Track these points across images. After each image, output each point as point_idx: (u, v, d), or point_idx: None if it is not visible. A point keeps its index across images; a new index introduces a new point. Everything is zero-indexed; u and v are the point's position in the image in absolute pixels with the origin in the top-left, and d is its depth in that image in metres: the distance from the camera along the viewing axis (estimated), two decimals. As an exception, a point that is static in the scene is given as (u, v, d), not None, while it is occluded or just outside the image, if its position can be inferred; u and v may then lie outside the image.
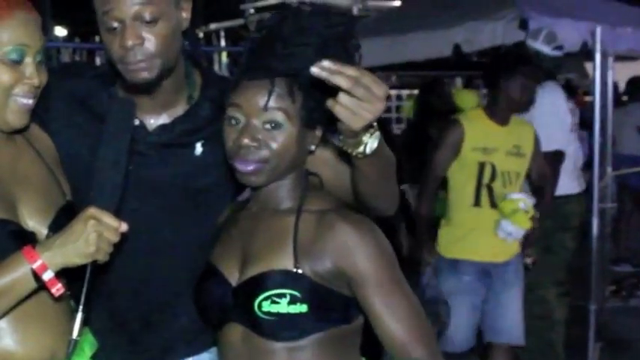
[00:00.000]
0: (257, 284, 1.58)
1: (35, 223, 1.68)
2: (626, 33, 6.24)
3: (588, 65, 7.23)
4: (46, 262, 1.53)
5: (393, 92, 10.86)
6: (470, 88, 10.34)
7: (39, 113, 1.78)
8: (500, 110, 3.85)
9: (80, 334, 1.61)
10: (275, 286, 1.57)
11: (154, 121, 1.86)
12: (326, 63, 1.40)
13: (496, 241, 3.83)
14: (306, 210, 1.63)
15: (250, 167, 1.59)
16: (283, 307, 1.56)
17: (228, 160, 1.64)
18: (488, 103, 3.94)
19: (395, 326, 1.56)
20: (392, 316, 1.56)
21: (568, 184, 4.38)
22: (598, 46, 4.74)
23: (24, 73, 1.66)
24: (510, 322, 3.89)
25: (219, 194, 1.86)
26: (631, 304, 6.32)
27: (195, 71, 1.91)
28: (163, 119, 1.86)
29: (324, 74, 1.40)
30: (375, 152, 1.52)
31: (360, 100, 1.41)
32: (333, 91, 1.58)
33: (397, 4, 9.57)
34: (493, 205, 3.82)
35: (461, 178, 3.84)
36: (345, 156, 1.63)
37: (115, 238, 1.55)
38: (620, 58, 6.04)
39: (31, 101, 1.70)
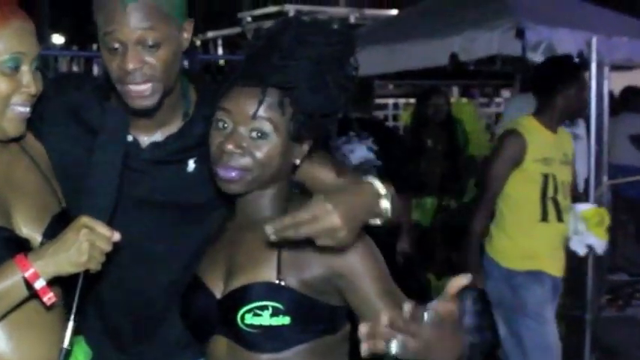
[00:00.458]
0: (239, 297, 1.58)
1: (29, 230, 1.68)
2: (622, 43, 6.26)
3: (584, 74, 7.24)
4: (38, 270, 1.52)
5: (390, 101, 10.88)
6: (466, 97, 10.37)
7: (33, 122, 1.78)
8: (553, 118, 3.77)
9: (71, 343, 1.61)
10: (257, 298, 1.56)
11: (147, 139, 1.85)
12: (275, 226, 1.42)
13: (561, 255, 3.77)
14: None
15: (232, 174, 1.58)
16: (266, 319, 1.55)
17: (212, 166, 1.63)
18: (539, 112, 3.82)
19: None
20: (388, 306, 1.55)
21: None
22: (594, 56, 4.76)
23: (21, 82, 1.66)
24: None
25: (210, 211, 1.85)
26: (627, 314, 6.31)
27: (191, 88, 1.90)
28: (157, 137, 1.85)
29: (280, 235, 1.42)
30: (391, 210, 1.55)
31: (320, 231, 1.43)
32: (325, 109, 1.58)
33: (394, 12, 9.60)
34: (560, 219, 3.72)
35: (524, 192, 3.70)
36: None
37: (108, 248, 1.55)
38: (616, 67, 6.05)
39: (28, 109, 1.70)
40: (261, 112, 1.57)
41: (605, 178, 5.16)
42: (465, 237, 3.75)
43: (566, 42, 5.62)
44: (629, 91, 7.94)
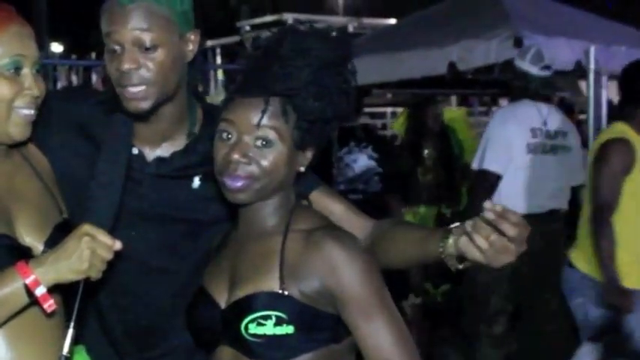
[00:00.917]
0: (243, 306, 1.58)
1: (31, 239, 1.69)
2: (620, 52, 6.28)
3: (582, 84, 7.27)
4: (39, 277, 1.53)
5: (389, 109, 10.90)
6: (464, 105, 10.39)
7: (37, 132, 1.79)
8: None
9: (71, 350, 1.61)
10: (261, 307, 1.56)
11: (152, 152, 1.86)
12: (497, 208, 1.50)
13: None
14: (293, 230, 1.62)
15: (238, 183, 1.59)
16: (269, 328, 1.55)
17: (217, 177, 1.63)
18: (629, 118, 3.77)
19: (379, 345, 1.56)
20: (376, 335, 1.56)
21: (525, 202, 4.24)
22: (592, 65, 4.78)
23: (23, 85, 1.67)
24: None
25: (214, 228, 1.85)
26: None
27: (198, 105, 1.91)
28: (162, 151, 1.86)
29: (491, 216, 1.50)
30: None
31: (509, 242, 1.52)
32: (327, 115, 1.59)
33: (392, 22, 9.62)
34: None
35: (631, 204, 3.64)
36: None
37: (109, 256, 1.55)
38: (614, 76, 6.07)
39: (32, 112, 1.71)
40: (265, 120, 1.58)
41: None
42: (600, 266, 3.61)
43: (564, 51, 5.64)
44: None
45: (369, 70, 6.31)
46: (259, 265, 1.61)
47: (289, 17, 9.16)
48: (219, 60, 10.00)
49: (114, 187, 1.61)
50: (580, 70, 5.41)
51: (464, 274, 4.22)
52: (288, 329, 1.55)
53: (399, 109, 10.39)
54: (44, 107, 1.76)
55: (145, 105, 1.75)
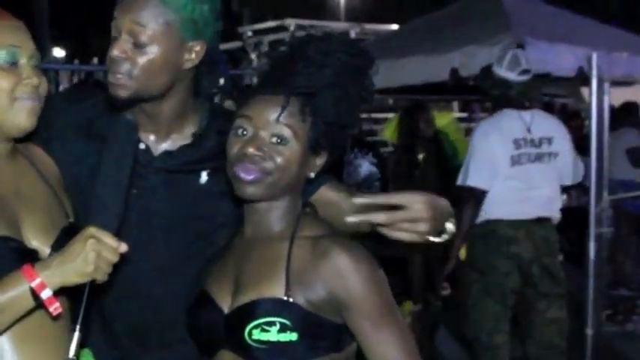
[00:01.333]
0: (248, 312, 1.58)
1: (38, 242, 1.69)
2: (622, 58, 6.28)
3: (584, 90, 7.27)
4: (45, 280, 1.52)
5: (390, 115, 10.89)
6: (466, 112, 10.39)
7: (42, 135, 1.79)
8: None
9: (77, 353, 1.60)
10: (265, 314, 1.56)
11: (159, 147, 1.87)
12: (365, 199, 1.57)
13: None
14: (299, 236, 1.62)
15: (251, 176, 1.60)
16: (273, 335, 1.55)
17: (229, 170, 1.64)
18: None
19: (384, 352, 1.57)
20: (381, 342, 1.57)
21: (511, 209, 4.24)
22: (594, 72, 4.76)
23: (21, 75, 1.68)
24: None
25: (221, 224, 1.86)
26: (628, 329, 6.30)
27: (204, 103, 1.93)
28: (169, 145, 1.87)
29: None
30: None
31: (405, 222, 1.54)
32: (344, 120, 1.62)
33: (395, 28, 9.62)
34: None
35: None
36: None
37: (115, 258, 1.55)
38: (615, 83, 6.07)
39: (35, 102, 1.71)
40: (282, 118, 1.60)
41: (605, 194, 5.16)
42: None
43: (567, 57, 5.65)
44: (628, 107, 7.96)
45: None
46: (265, 271, 1.61)
47: (291, 23, 9.17)
48: (221, 65, 10.00)
49: (119, 189, 1.61)
50: (582, 77, 5.41)
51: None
52: (292, 336, 1.55)
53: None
54: (47, 109, 1.76)
55: (122, 93, 1.77)
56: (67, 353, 1.59)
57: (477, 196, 4.21)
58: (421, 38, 6.86)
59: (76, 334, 1.58)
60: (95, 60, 7.71)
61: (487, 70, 4.41)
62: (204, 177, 1.88)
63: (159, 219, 1.86)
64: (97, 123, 1.88)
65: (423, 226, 1.57)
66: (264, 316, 1.56)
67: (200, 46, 1.81)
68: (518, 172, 4.23)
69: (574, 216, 5.79)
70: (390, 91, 7.24)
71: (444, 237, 1.62)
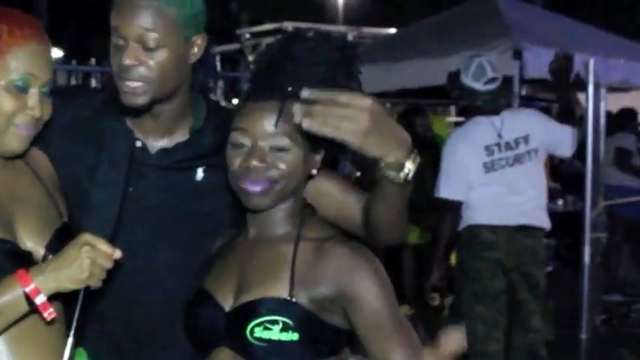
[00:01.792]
0: (251, 310, 1.59)
1: (33, 243, 1.69)
2: (619, 64, 6.30)
3: (581, 96, 7.29)
4: (39, 286, 1.53)
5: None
6: (463, 115, 10.40)
7: (38, 135, 1.79)
8: None
9: (71, 358, 1.61)
10: (268, 312, 1.57)
11: (156, 144, 1.88)
12: (312, 94, 1.43)
13: None
14: (304, 238, 1.63)
15: (259, 187, 1.60)
16: (275, 333, 1.56)
17: (234, 184, 1.63)
18: None
19: (389, 350, 1.57)
20: (384, 336, 1.57)
21: (491, 214, 4.21)
22: (591, 78, 4.77)
23: (26, 103, 1.67)
24: None
25: (217, 221, 1.86)
26: (622, 334, 6.32)
27: (202, 99, 1.93)
28: (165, 143, 1.88)
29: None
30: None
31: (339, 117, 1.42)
32: None
33: (392, 31, 9.63)
34: None
35: None
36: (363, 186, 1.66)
37: (109, 265, 1.55)
38: (612, 89, 6.09)
39: (31, 132, 1.71)
40: (279, 127, 1.59)
41: (601, 199, 5.16)
42: None
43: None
44: (625, 113, 7.98)
45: (368, 79, 6.31)
46: (269, 271, 1.62)
47: (289, 25, 9.18)
48: (219, 67, 10.01)
49: (114, 194, 1.62)
50: (579, 82, 5.41)
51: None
52: (294, 336, 1.56)
53: (398, 119, 10.43)
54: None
55: (141, 100, 1.77)
56: (61, 356, 1.60)
57: (452, 207, 4.22)
58: (419, 42, 6.88)
59: (70, 340, 1.59)
60: (93, 60, 7.69)
61: (454, 78, 4.37)
62: (200, 174, 1.88)
63: (155, 216, 1.87)
64: (94, 123, 1.88)
65: (355, 126, 1.42)
66: (268, 315, 1.56)
67: (201, 39, 1.82)
68: (494, 178, 4.20)
69: (570, 222, 5.80)
70: (387, 94, 7.25)
71: (402, 174, 1.50)
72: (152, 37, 1.73)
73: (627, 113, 7.98)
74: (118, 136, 1.69)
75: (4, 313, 1.55)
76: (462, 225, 4.25)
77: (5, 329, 1.59)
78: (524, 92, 6.92)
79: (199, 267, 1.77)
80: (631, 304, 6.79)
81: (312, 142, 1.62)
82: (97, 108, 1.90)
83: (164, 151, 1.87)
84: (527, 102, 6.76)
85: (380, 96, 7.38)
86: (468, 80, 4.24)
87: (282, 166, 1.60)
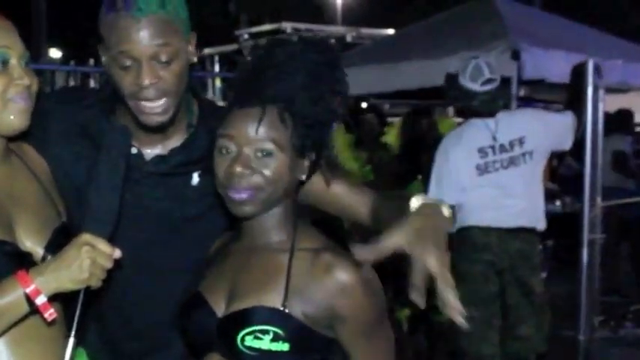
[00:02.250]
0: (242, 318, 1.59)
1: (32, 243, 1.69)
2: (617, 66, 6.30)
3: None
4: (40, 286, 1.53)
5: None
6: (462, 116, 10.40)
7: (36, 135, 1.79)
8: None
9: (72, 358, 1.61)
10: (260, 321, 1.57)
11: (151, 151, 1.87)
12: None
13: None
14: (299, 248, 1.63)
15: (244, 195, 1.60)
16: (265, 343, 1.56)
17: (220, 191, 1.64)
18: None
19: None
20: (368, 353, 1.60)
21: (483, 216, 4.21)
22: (590, 79, 4.78)
23: (12, 76, 1.68)
24: None
25: (213, 224, 1.86)
26: (620, 335, 6.31)
27: (194, 101, 1.93)
28: (160, 149, 1.88)
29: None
30: None
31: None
32: (324, 118, 1.62)
33: (391, 32, 9.64)
34: None
35: None
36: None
37: (109, 265, 1.56)
38: (610, 90, 6.10)
39: (28, 103, 1.70)
40: (263, 132, 1.59)
41: (599, 200, 5.17)
42: None
43: (562, 64, 5.66)
44: (622, 114, 7.98)
45: (367, 80, 6.32)
46: (263, 280, 1.62)
47: (288, 26, 9.18)
48: (217, 68, 10.01)
49: (113, 195, 1.62)
50: (577, 84, 5.41)
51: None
52: (284, 347, 1.56)
53: (397, 120, 10.43)
54: (41, 110, 1.76)
55: (165, 118, 1.77)
56: (62, 356, 1.60)
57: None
58: (417, 43, 6.88)
59: (71, 340, 1.59)
60: (92, 61, 7.69)
61: (452, 79, 4.36)
62: (195, 178, 1.88)
63: (152, 221, 1.87)
64: (93, 125, 1.88)
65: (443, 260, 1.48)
66: (259, 324, 1.56)
67: (192, 36, 1.83)
68: (488, 181, 4.18)
69: (568, 223, 5.80)
70: (385, 95, 7.25)
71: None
72: (166, 51, 1.71)
73: (624, 114, 7.99)
74: (115, 137, 1.68)
75: (5, 314, 1.55)
76: (454, 228, 4.23)
77: (6, 330, 1.60)
78: (522, 93, 6.92)
79: (197, 269, 1.78)
80: (629, 305, 6.79)
81: (300, 147, 1.62)
82: (94, 110, 1.89)
83: (159, 157, 1.87)
84: (525, 103, 6.75)
85: (378, 97, 7.39)
86: (465, 81, 4.22)
87: (267, 172, 1.59)
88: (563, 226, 6.30)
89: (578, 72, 4.56)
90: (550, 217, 4.46)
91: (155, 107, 1.74)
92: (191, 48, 1.82)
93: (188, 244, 1.87)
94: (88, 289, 1.57)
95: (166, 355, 1.92)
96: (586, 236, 4.87)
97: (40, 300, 1.53)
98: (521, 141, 4.20)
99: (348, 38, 9.44)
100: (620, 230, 7.60)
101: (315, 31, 9.25)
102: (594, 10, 16.61)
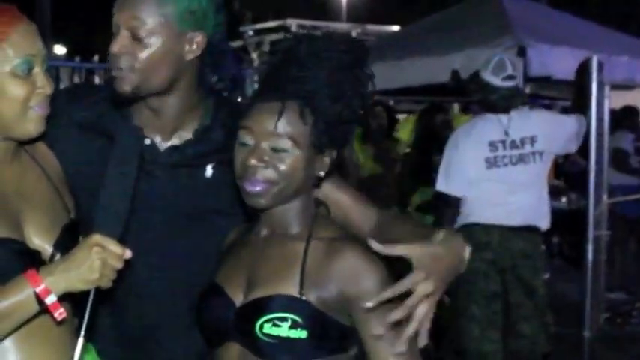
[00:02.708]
0: (261, 306, 1.61)
1: (40, 241, 1.70)
2: (622, 62, 6.28)
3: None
4: (50, 286, 1.53)
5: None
6: (466, 113, 10.39)
7: (48, 132, 1.80)
8: None
9: (82, 358, 1.61)
10: (278, 309, 1.59)
11: (164, 142, 1.89)
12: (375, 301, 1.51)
13: None
14: (315, 237, 1.65)
15: (257, 188, 1.62)
16: (284, 330, 1.58)
17: (237, 182, 1.66)
18: None
19: (387, 352, 1.58)
20: (386, 342, 1.58)
21: (486, 213, 4.20)
22: (594, 75, 4.77)
23: (35, 84, 1.69)
24: None
25: (226, 217, 1.87)
26: (625, 332, 6.31)
27: (210, 98, 1.94)
28: (174, 141, 1.89)
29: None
30: None
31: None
32: (345, 116, 1.63)
33: (396, 29, 9.63)
34: None
35: None
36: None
37: (119, 265, 1.56)
38: (615, 87, 6.08)
39: (46, 110, 1.73)
40: (281, 128, 1.61)
41: (604, 197, 5.17)
42: None
43: (567, 60, 5.65)
44: (627, 111, 7.97)
45: (371, 76, 6.30)
46: (280, 269, 1.64)
47: (292, 23, 9.18)
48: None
49: (123, 195, 1.62)
50: (582, 81, 5.40)
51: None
52: (302, 333, 1.58)
53: (402, 117, 10.42)
54: (53, 106, 1.77)
55: (125, 88, 1.80)
56: (71, 356, 1.60)
57: (450, 202, 4.21)
58: (422, 40, 6.86)
59: (81, 340, 1.59)
60: (96, 57, 7.70)
61: (476, 74, 4.36)
62: (209, 171, 1.89)
63: (166, 213, 1.88)
64: (103, 121, 1.90)
65: (434, 298, 1.52)
66: (278, 311, 1.59)
67: (200, 37, 1.83)
68: (496, 175, 4.18)
69: (573, 219, 5.79)
70: (390, 92, 7.24)
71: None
72: (141, 27, 1.76)
73: (628, 111, 7.97)
74: (126, 134, 1.70)
75: (15, 313, 1.56)
76: (458, 224, 4.23)
77: (15, 329, 1.60)
78: (527, 90, 6.91)
79: (210, 263, 1.78)
80: (634, 302, 6.78)
81: (318, 144, 1.64)
82: (106, 107, 1.91)
83: (173, 148, 1.88)
84: (530, 99, 6.74)
85: (383, 93, 7.38)
86: (486, 74, 4.22)
87: (282, 167, 1.61)
88: (568, 222, 6.30)
89: (583, 69, 4.55)
90: (555, 213, 4.45)
91: (119, 73, 1.78)
92: (194, 46, 1.83)
93: (201, 236, 1.88)
94: (98, 289, 1.58)
95: (177, 350, 1.92)
96: (591, 233, 4.87)
97: (50, 299, 1.54)
98: (532, 140, 4.20)
99: (353, 35, 9.43)
100: (625, 227, 7.60)
101: (319, 27, 9.24)
102: (599, 6, 16.58)
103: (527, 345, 4.19)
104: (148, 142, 1.85)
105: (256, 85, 5.85)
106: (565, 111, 8.32)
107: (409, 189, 5.76)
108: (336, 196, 1.83)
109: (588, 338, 4.71)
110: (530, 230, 4.20)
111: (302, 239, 1.66)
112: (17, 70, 1.66)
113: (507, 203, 4.15)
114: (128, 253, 1.56)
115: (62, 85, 7.87)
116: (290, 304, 1.59)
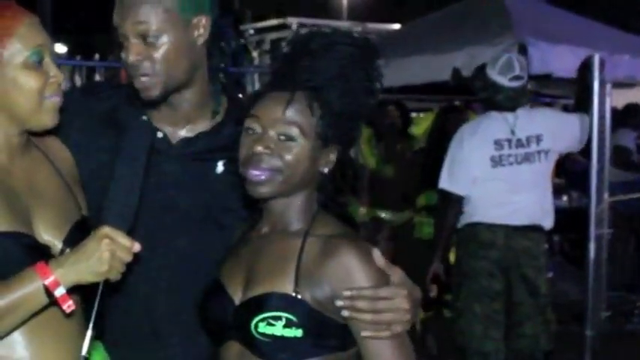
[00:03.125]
0: (256, 305, 1.60)
1: (50, 236, 1.70)
2: (624, 60, 6.28)
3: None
4: (59, 278, 1.54)
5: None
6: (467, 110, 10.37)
7: (61, 127, 1.80)
8: None
9: (90, 351, 1.61)
10: (272, 308, 1.58)
11: (177, 134, 1.90)
12: (353, 292, 1.54)
13: None
14: (312, 234, 1.64)
15: (262, 176, 1.62)
16: (278, 329, 1.57)
17: (241, 171, 1.66)
18: None
19: (380, 352, 1.58)
20: (378, 342, 1.58)
21: (491, 212, 4.19)
22: (596, 74, 4.76)
23: (48, 73, 1.70)
24: None
25: (235, 215, 1.88)
26: (627, 330, 6.31)
27: (222, 93, 1.95)
28: (186, 133, 1.91)
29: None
30: None
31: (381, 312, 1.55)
32: (352, 111, 1.64)
33: (397, 27, 9.61)
34: None
35: None
36: None
37: (129, 258, 1.56)
38: (617, 85, 6.07)
39: (60, 100, 1.73)
40: (290, 115, 1.62)
41: (606, 195, 5.16)
42: None
43: (569, 58, 5.64)
44: (629, 109, 7.96)
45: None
46: (276, 266, 1.63)
47: (293, 21, 9.15)
48: (222, 63, 9.98)
49: (133, 188, 1.62)
50: (584, 79, 5.39)
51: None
52: (297, 332, 1.57)
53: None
54: (67, 102, 1.77)
55: (154, 93, 1.81)
56: (79, 349, 1.61)
57: (454, 200, 4.21)
58: (423, 38, 6.86)
59: (89, 332, 1.59)
60: (97, 56, 7.68)
61: (480, 70, 4.36)
62: (220, 167, 1.90)
63: (175, 207, 1.88)
64: (116, 115, 1.91)
65: (406, 317, 1.58)
66: (271, 310, 1.58)
67: (204, 19, 1.84)
68: (501, 174, 4.17)
69: (574, 218, 5.78)
70: (391, 90, 7.23)
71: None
72: (149, 29, 1.76)
73: (630, 109, 7.97)
74: (137, 129, 1.71)
75: (23, 305, 1.56)
76: (461, 223, 4.23)
77: (24, 321, 1.60)
78: (529, 88, 6.91)
79: (218, 258, 1.78)
80: (636, 300, 6.78)
81: (324, 136, 1.64)
82: (118, 102, 1.93)
83: (185, 140, 1.90)
84: (531, 97, 6.73)
85: (384, 92, 7.37)
86: (493, 74, 4.20)
87: (288, 156, 1.61)
88: (569, 221, 6.29)
89: (585, 67, 4.55)
90: (556, 212, 4.45)
91: (143, 82, 1.80)
92: (202, 30, 1.84)
93: (209, 233, 1.89)
94: (107, 282, 1.58)
95: (185, 345, 1.92)
96: (593, 231, 4.86)
97: (59, 292, 1.54)
98: (538, 138, 4.20)
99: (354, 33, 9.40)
100: (626, 225, 7.59)
101: (320, 26, 9.22)
102: (600, 4, 16.57)
103: (529, 344, 4.19)
104: (160, 134, 1.87)
105: (257, 84, 5.85)
106: (566, 109, 8.33)
107: (416, 189, 5.74)
108: None
109: (590, 337, 4.71)
110: (535, 229, 4.20)
111: (299, 235, 1.65)
112: (29, 62, 1.67)
113: (512, 202, 4.14)
114: (137, 246, 1.56)
115: (63, 84, 7.88)
116: (284, 302, 1.58)
